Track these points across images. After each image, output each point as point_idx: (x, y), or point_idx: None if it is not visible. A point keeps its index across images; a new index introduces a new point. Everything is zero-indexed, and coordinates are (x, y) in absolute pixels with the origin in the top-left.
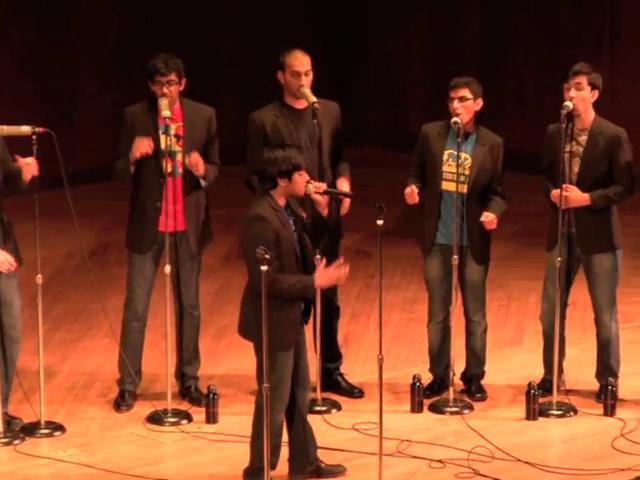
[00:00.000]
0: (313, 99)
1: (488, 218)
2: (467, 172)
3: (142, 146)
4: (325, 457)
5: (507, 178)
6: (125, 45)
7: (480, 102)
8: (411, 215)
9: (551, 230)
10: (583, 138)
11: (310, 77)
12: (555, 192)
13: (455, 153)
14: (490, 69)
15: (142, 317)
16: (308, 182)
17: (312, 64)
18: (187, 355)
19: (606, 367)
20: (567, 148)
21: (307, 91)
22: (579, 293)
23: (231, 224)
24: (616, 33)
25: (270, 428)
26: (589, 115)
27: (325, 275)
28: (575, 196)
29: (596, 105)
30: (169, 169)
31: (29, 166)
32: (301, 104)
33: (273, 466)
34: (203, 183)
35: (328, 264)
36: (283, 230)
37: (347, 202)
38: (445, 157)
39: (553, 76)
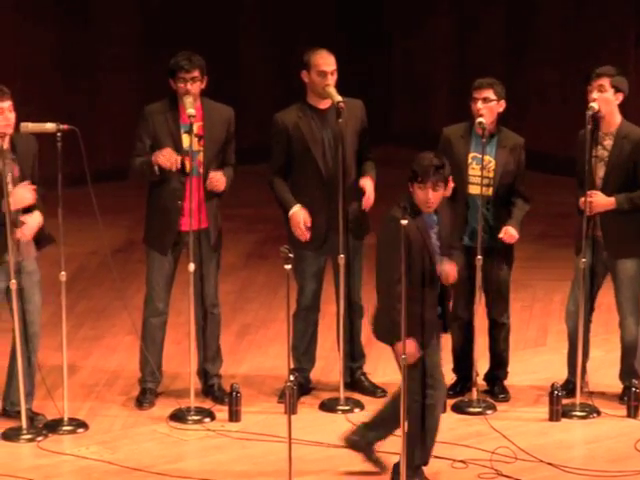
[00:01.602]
0: (338, 98)
1: (507, 234)
2: (491, 175)
3: (169, 161)
4: (348, 456)
5: (530, 178)
6: (148, 43)
7: (503, 103)
8: None
9: (576, 234)
10: (608, 142)
11: (335, 76)
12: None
13: (479, 156)
14: (514, 69)
15: (162, 314)
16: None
17: (336, 64)
18: (209, 353)
19: (630, 369)
20: (593, 152)
21: (332, 90)
22: (604, 295)
23: (253, 223)
24: None
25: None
26: (614, 118)
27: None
28: (600, 200)
29: (623, 108)
30: (191, 169)
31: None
32: (324, 104)
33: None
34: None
35: (351, 262)
36: (416, 234)
37: (370, 198)
38: (469, 160)
39: (577, 77)
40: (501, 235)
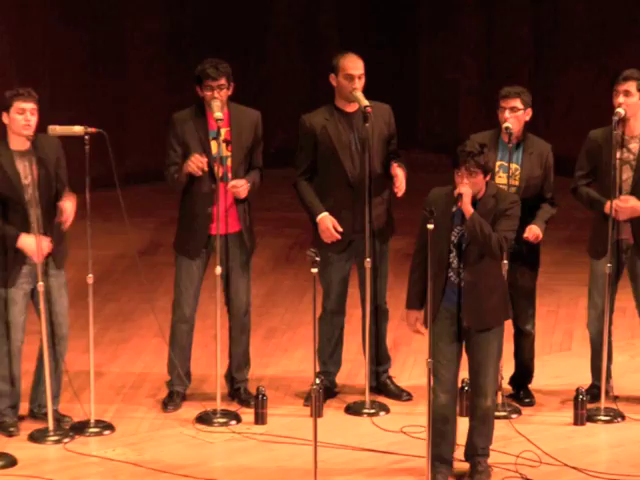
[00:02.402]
0: (365, 102)
1: (531, 232)
2: (517, 183)
3: (195, 165)
4: (373, 459)
5: (557, 183)
6: (176, 50)
7: (530, 112)
8: None
9: (594, 238)
10: (634, 145)
11: (363, 81)
12: (617, 203)
13: (505, 164)
14: (541, 74)
15: (190, 319)
16: None
17: (364, 68)
18: (237, 361)
19: None
20: (617, 155)
21: (360, 94)
22: (629, 299)
23: (280, 227)
24: None
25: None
26: (639, 122)
27: None
28: (636, 205)
29: None
30: (220, 174)
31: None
32: (352, 107)
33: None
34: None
35: (376, 265)
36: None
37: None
38: (496, 169)
39: (604, 81)
40: (526, 234)
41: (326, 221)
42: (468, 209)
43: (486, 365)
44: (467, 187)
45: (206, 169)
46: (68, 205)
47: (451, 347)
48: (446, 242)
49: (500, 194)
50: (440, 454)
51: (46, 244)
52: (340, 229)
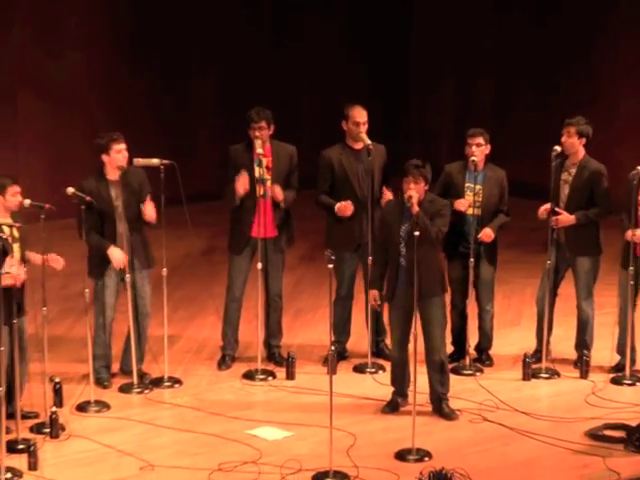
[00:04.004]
0: (368, 142)
1: (483, 234)
2: (480, 199)
3: (240, 185)
4: (373, 405)
5: (511, 202)
6: (228, 100)
7: (489, 147)
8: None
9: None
10: (573, 170)
11: (366, 126)
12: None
13: (472, 186)
14: (501, 121)
15: (238, 300)
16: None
17: (368, 115)
18: (273, 330)
19: (582, 342)
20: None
21: (364, 136)
22: (564, 287)
23: (307, 233)
24: None
25: None
26: (578, 154)
27: None
28: (568, 217)
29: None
30: (262, 192)
31: (148, 209)
32: (358, 145)
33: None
34: (282, 204)
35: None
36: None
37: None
38: (465, 189)
39: (548, 121)
40: (479, 235)
41: (341, 205)
42: (415, 208)
43: (433, 329)
44: (414, 191)
45: (247, 188)
46: (148, 207)
47: (402, 318)
48: (397, 237)
49: (435, 199)
50: (399, 390)
51: (122, 257)
52: (351, 206)
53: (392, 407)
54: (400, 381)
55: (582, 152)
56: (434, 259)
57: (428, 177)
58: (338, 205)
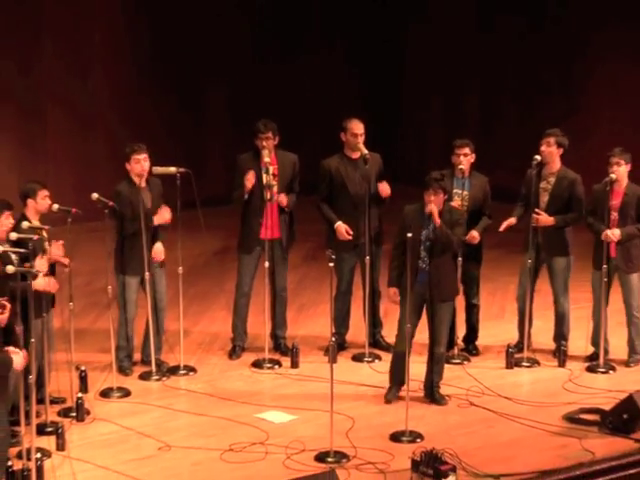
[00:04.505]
0: (365, 152)
1: (470, 236)
2: (466, 203)
3: (248, 180)
4: (370, 391)
5: (494, 206)
6: (237, 114)
7: (474, 156)
8: None
9: (525, 242)
10: (551, 179)
11: (363, 137)
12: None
13: (459, 191)
14: (485, 133)
15: (247, 295)
16: None
17: (365, 128)
18: (278, 322)
19: (560, 334)
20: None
21: (362, 146)
22: (542, 284)
23: (309, 235)
24: None
25: None
26: (556, 164)
27: None
28: (547, 219)
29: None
30: (269, 197)
31: (161, 216)
32: (356, 155)
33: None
34: (286, 209)
35: (373, 261)
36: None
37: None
38: (453, 194)
39: (533, 133)
40: (466, 237)
41: (341, 227)
42: (437, 221)
43: (441, 326)
44: (433, 205)
45: (253, 182)
46: (164, 211)
47: (414, 314)
48: (418, 241)
49: (453, 210)
50: (399, 379)
51: None
52: (351, 232)
53: (393, 394)
54: (401, 372)
55: (559, 162)
56: (450, 265)
57: (447, 188)
58: (337, 226)
